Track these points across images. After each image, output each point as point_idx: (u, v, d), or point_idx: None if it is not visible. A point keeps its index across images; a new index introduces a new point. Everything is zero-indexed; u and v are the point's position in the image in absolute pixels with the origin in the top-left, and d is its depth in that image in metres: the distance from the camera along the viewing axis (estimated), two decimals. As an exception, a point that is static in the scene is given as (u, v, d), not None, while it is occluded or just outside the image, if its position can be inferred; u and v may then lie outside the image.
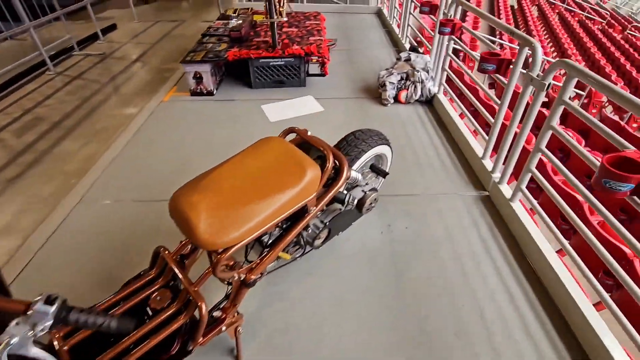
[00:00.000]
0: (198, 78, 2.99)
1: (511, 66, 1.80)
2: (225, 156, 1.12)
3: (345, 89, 3.18)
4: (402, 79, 2.97)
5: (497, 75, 1.88)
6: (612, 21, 13.35)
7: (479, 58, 1.88)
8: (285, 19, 3.92)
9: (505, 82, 1.85)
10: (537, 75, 1.58)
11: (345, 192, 1.41)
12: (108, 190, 2.01)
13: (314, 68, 3.31)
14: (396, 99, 2.94)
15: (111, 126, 2.76)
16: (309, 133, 1.30)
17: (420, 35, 3.64)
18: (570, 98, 1.52)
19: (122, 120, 2.79)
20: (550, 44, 10.19)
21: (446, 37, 2.54)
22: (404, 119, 2.75)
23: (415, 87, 2.89)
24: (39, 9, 4.07)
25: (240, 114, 2.81)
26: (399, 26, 4.38)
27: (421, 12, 2.95)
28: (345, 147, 1.52)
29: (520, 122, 1.75)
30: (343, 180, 1.24)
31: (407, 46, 3.88)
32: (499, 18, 10.54)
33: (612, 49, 9.47)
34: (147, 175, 2.12)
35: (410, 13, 3.73)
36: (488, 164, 2.10)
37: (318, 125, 2.64)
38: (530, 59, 1.61)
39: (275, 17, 2.98)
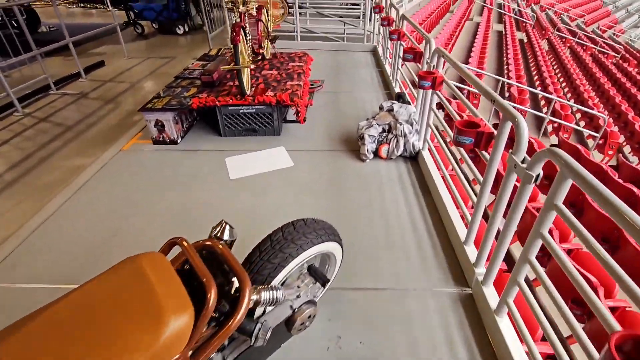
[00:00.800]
0: (160, 126, 2.74)
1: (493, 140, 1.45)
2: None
3: (323, 139, 2.88)
4: (383, 131, 2.65)
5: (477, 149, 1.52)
6: (627, 55, 12.99)
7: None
8: (268, 57, 3.72)
9: (487, 157, 1.50)
10: (523, 161, 1.22)
11: (256, 319, 1.05)
12: (17, 269, 1.69)
13: (293, 113, 3.04)
14: (376, 154, 2.61)
15: (55, 181, 2.50)
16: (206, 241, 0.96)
17: (407, 82, 3.35)
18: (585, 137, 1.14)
19: (70, 174, 2.53)
20: (562, 78, 9.86)
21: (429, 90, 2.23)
22: (382, 178, 2.40)
23: (398, 141, 2.55)
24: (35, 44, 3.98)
25: (200, 168, 2.52)
26: (390, 66, 4.13)
27: (404, 59, 2.67)
28: (269, 250, 1.17)
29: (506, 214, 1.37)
30: (242, 313, 0.88)
31: (398, 90, 3.59)
32: (507, 52, 10.34)
33: (628, 84, 9.05)
34: (63, 251, 1.80)
35: (399, 56, 3.47)
36: (472, 251, 1.71)
37: (282, 185, 2.32)
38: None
39: (247, 62, 2.74)
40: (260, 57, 3.61)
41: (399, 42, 3.55)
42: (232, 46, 2.49)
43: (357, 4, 7.03)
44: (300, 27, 5.32)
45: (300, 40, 5.38)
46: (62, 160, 2.76)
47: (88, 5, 10.46)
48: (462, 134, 1.47)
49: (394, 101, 2.80)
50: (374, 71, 4.45)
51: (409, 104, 2.88)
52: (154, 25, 6.84)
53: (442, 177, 2.25)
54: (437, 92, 2.15)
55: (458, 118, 1.73)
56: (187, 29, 6.75)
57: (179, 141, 2.83)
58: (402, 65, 3.57)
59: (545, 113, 6.79)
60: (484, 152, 1.55)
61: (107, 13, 9.09)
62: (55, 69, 4.47)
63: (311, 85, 3.86)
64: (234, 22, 2.83)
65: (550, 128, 6.45)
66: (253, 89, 2.93)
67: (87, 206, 2.13)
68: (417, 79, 2.15)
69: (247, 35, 2.91)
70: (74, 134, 3.14)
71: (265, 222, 1.90)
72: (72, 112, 3.54)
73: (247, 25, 2.90)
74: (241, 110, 2.83)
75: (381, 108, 2.81)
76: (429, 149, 2.50)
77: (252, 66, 2.87)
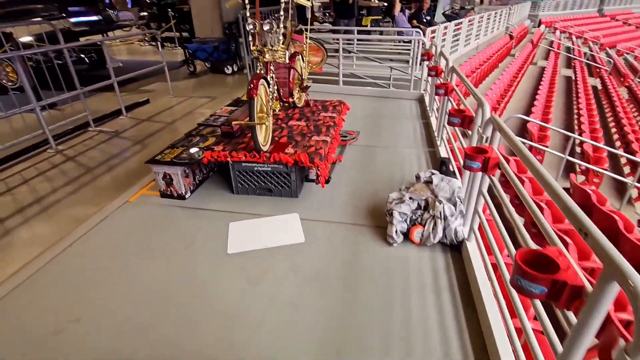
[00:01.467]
0: (168, 179, 2.52)
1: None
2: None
3: (345, 207, 2.44)
4: (419, 207, 2.15)
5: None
6: None
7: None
8: (300, 105, 3.45)
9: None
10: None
11: None
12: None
13: (314, 173, 2.67)
14: (407, 237, 2.10)
15: (52, 233, 2.33)
16: None
17: (454, 146, 2.84)
18: None
19: (66, 226, 2.35)
20: (646, 133, 8.52)
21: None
22: (410, 272, 1.88)
23: (436, 224, 2.03)
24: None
25: (200, 232, 2.21)
26: (437, 120, 3.64)
27: (449, 123, 2.20)
28: None
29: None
30: None
31: (442, 151, 3.08)
32: (578, 101, 9.27)
33: None
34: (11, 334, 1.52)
35: (446, 112, 2.99)
36: None
37: (285, 270, 1.89)
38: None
39: (265, 117, 2.46)
40: (291, 105, 3.37)
41: (446, 97, 3.10)
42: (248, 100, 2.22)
43: (408, 48, 6.75)
44: (343, 71, 5.10)
45: (343, 85, 5.14)
46: (66, 208, 2.64)
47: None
48: (526, 278, 0.93)
49: (433, 171, 2.30)
50: (418, 123, 3.99)
51: (454, 175, 2.36)
52: (206, 64, 7.13)
53: (490, 283, 1.68)
54: (490, 176, 1.64)
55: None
56: (235, 69, 6.92)
57: (187, 196, 2.58)
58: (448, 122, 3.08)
59: (628, 175, 5.72)
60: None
61: (175, 51, 9.85)
62: (105, 105, 4.65)
63: (343, 137, 3.50)
64: (257, 71, 2.60)
65: (635, 194, 5.37)
66: (273, 143, 2.63)
67: (61, 277, 1.88)
68: (463, 160, 1.66)
69: (272, 86, 2.66)
70: (92, 177, 3.05)
71: (244, 339, 1.48)
72: (100, 152, 3.53)
73: (272, 75, 2.66)
74: (255, 168, 2.53)
75: (418, 178, 2.33)
76: (475, 239, 1.94)
77: (269, 122, 2.58)
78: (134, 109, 4.74)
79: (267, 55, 2.53)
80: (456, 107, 2.38)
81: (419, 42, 4.82)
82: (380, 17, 11.41)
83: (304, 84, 3.35)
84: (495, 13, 11.48)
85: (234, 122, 2.33)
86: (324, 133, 2.85)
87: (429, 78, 4.30)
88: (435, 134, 3.39)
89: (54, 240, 2.12)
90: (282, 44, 2.67)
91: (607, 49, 18.03)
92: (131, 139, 3.85)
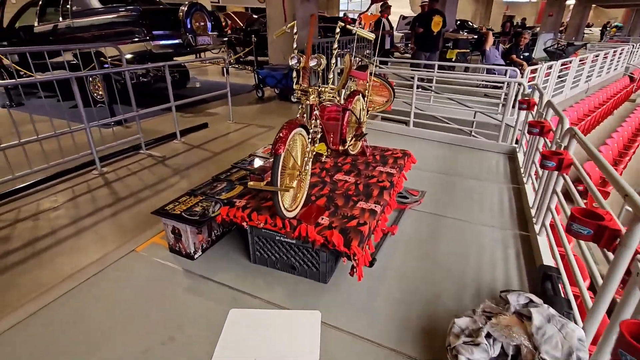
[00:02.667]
0: (177, 234, 2.10)
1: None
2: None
3: (387, 319, 1.72)
4: (503, 354, 1.34)
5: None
6: None
7: None
8: (354, 153, 2.85)
9: None
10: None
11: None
12: None
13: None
14: (478, 403, 1.30)
15: (47, 282, 2.05)
16: None
17: (556, 256, 1.93)
18: None
19: (56, 280, 2.05)
20: None
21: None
22: None
23: (532, 399, 1.21)
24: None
25: (192, 318, 1.70)
26: (535, 192, 2.72)
27: (542, 165, 1.41)
28: None
29: None
30: None
31: (543, 244, 2.15)
32: None
33: None
34: None
35: (555, 191, 2.08)
36: None
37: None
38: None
39: (295, 176, 1.91)
40: (342, 153, 2.80)
41: (540, 136, 2.24)
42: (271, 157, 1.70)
43: (499, 87, 5.79)
44: (415, 110, 4.40)
45: (413, 127, 4.43)
46: (69, 252, 2.38)
47: (240, 67, 12.05)
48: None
49: (533, 297, 1.46)
50: (507, 189, 3.07)
51: (566, 306, 1.48)
52: (275, 90, 7.03)
53: None
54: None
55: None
56: (302, 97, 6.66)
57: (196, 256, 2.12)
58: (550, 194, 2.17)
59: None
60: None
61: (252, 75, 10.18)
62: (168, 126, 4.64)
63: (402, 198, 2.79)
64: (298, 115, 2.09)
65: None
66: (306, 205, 2.05)
67: (12, 352, 1.51)
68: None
69: (314, 133, 2.12)
70: (115, 210, 2.82)
71: None
72: (139, 179, 3.35)
73: (316, 121, 2.13)
74: (277, 237, 1.97)
75: (504, 301, 1.51)
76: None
77: (306, 176, 2.03)
78: (190, 133, 4.65)
79: (311, 97, 2.01)
80: (548, 151, 1.62)
81: (516, 85, 3.91)
82: (467, 51, 10.45)
83: (361, 130, 2.76)
84: (615, 51, 9.66)
85: (249, 184, 1.81)
86: (374, 198, 2.19)
87: (525, 128, 3.38)
88: (532, 212, 2.48)
89: (33, 295, 1.80)
90: (335, 83, 2.13)
91: None
92: (175, 167, 3.64)
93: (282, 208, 1.80)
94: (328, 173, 2.54)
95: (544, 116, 2.65)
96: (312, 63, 1.95)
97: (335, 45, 1.99)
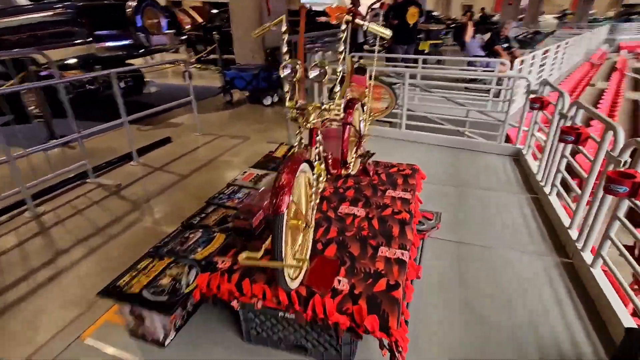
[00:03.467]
0: (137, 317, 1.52)
1: None
2: None
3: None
4: None
5: None
6: None
7: None
8: (354, 173, 2.35)
9: None
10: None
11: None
12: None
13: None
14: None
15: None
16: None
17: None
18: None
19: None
20: None
21: None
22: None
23: None
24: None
25: None
26: (566, 209, 2.38)
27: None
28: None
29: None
30: None
31: (598, 276, 1.79)
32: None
33: None
34: None
35: (616, 216, 1.71)
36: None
37: None
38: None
39: (299, 228, 1.40)
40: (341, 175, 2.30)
41: (576, 144, 1.90)
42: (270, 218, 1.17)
43: (484, 81, 5.53)
44: (406, 111, 3.98)
45: (405, 130, 4.01)
46: None
47: (202, 67, 11.16)
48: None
49: None
50: (525, 200, 2.72)
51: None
52: (245, 93, 6.38)
53: None
54: None
55: None
56: (275, 100, 6.07)
57: (167, 342, 1.55)
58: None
59: None
60: None
61: (218, 75, 9.38)
62: (122, 143, 3.89)
63: (418, 225, 2.35)
64: (295, 144, 1.57)
65: None
66: (312, 260, 1.54)
67: None
68: None
69: (318, 164, 1.61)
70: (53, 272, 2.15)
71: None
72: (87, 220, 2.67)
73: (320, 147, 1.62)
74: (281, 314, 1.45)
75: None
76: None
77: (310, 224, 1.53)
78: (151, 151, 3.95)
79: (311, 117, 1.49)
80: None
81: (509, 79, 3.58)
82: (440, 42, 10.25)
83: (362, 147, 2.28)
84: (580, 38, 9.83)
85: (240, 259, 1.26)
86: (396, 240, 1.72)
87: (536, 127, 3.06)
88: (571, 233, 2.11)
89: None
90: (338, 96, 1.63)
91: None
92: (134, 198, 2.98)
93: (288, 281, 1.28)
94: (330, 205, 2.04)
95: (569, 119, 2.30)
96: (313, 74, 1.43)
97: (342, 48, 1.48)
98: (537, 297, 1.81)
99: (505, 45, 6.57)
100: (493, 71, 5.38)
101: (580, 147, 2.06)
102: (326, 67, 1.41)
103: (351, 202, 2.08)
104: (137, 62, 6.07)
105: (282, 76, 1.47)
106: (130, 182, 3.22)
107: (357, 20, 1.51)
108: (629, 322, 1.50)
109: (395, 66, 6.21)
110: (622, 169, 1.55)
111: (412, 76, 5.36)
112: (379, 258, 1.60)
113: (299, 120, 1.53)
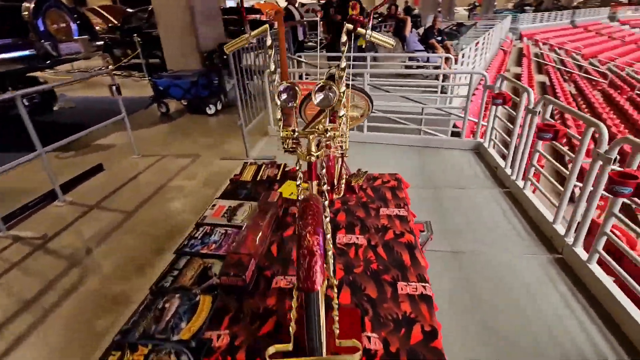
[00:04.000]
0: None
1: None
2: None
3: None
4: None
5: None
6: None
7: None
8: (339, 196, 2.13)
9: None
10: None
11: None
12: None
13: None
14: None
15: None
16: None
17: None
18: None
19: None
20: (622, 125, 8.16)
21: None
22: None
23: None
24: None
25: None
26: (534, 192, 2.45)
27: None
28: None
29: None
30: None
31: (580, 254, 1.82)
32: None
33: None
34: None
35: (613, 213, 1.74)
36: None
37: None
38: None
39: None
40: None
41: (554, 141, 1.94)
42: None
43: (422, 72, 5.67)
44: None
45: (367, 132, 3.90)
46: None
47: (123, 73, 9.96)
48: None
49: None
50: (498, 194, 2.77)
51: None
52: (182, 102, 5.75)
53: None
54: None
55: None
56: (219, 108, 5.57)
57: None
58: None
59: None
60: None
61: (143, 82, 8.39)
62: (37, 179, 3.15)
63: (414, 239, 2.22)
64: (298, 184, 1.30)
65: None
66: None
67: None
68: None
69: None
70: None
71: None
72: (4, 292, 2.06)
73: (323, 184, 1.37)
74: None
75: None
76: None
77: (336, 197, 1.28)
78: (80, 184, 3.29)
79: (312, 149, 1.22)
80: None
81: (450, 74, 3.66)
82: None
83: (345, 164, 2.07)
84: (494, 29, 10.76)
85: (268, 354, 0.95)
86: (411, 270, 1.55)
87: (495, 120, 3.14)
88: (558, 228, 2.15)
89: None
90: (343, 121, 1.38)
91: (591, 59, 17.93)
92: (67, 253, 2.39)
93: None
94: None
95: (541, 114, 2.34)
96: (318, 99, 1.16)
97: (344, 64, 1.23)
98: (546, 301, 1.79)
99: (439, 38, 6.85)
100: (439, 66, 5.55)
101: (558, 144, 2.09)
102: (334, 89, 1.15)
103: (346, 228, 1.86)
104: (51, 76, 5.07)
105: (278, 103, 1.18)
106: (59, 229, 2.60)
107: (359, 29, 1.28)
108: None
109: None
110: (618, 169, 1.55)
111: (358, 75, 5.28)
112: (401, 297, 1.41)
113: (297, 152, 1.25)
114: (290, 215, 2.00)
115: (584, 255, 1.89)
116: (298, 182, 1.32)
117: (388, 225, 1.87)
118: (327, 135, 1.24)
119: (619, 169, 1.62)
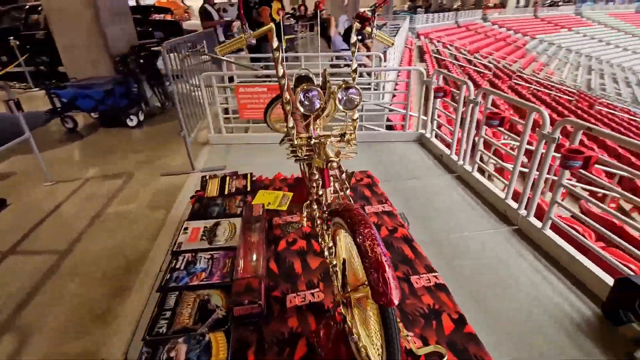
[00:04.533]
0: None
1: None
2: None
3: None
4: None
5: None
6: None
7: None
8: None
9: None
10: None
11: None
12: None
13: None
14: None
15: None
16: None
17: None
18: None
19: None
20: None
21: None
22: None
23: None
24: None
25: None
26: (490, 179, 2.74)
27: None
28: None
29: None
30: None
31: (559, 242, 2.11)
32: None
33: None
34: None
35: (561, 184, 2.03)
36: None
37: None
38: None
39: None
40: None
41: (500, 127, 2.24)
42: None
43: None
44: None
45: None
46: None
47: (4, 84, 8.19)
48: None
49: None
50: (450, 180, 3.02)
51: None
52: (92, 115, 4.97)
53: None
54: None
55: None
56: (141, 118, 4.96)
57: None
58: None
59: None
60: None
61: (31, 94, 7.01)
62: None
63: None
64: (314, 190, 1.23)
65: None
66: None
67: None
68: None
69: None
70: None
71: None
72: None
73: (337, 191, 1.31)
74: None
75: None
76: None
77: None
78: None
79: (329, 153, 1.15)
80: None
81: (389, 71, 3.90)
82: (293, 37, 10.47)
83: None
84: (401, 29, 11.73)
85: None
86: (416, 262, 1.59)
87: (434, 112, 3.42)
88: (508, 202, 2.43)
89: None
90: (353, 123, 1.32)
91: (476, 54, 20.88)
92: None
93: None
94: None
95: (479, 104, 2.62)
96: (343, 102, 1.08)
97: (355, 65, 1.16)
98: (517, 269, 2.01)
99: (359, 37, 7.19)
100: (364, 64, 5.80)
101: (503, 129, 2.36)
102: (359, 89, 1.09)
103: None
104: None
105: (301, 109, 1.07)
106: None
107: (367, 28, 1.23)
108: (599, 272, 1.81)
109: (267, 67, 5.98)
110: (570, 146, 1.81)
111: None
112: (419, 291, 1.44)
113: (314, 161, 1.17)
114: (277, 227, 1.88)
115: (538, 224, 2.18)
116: (320, 192, 1.23)
117: (379, 222, 1.89)
118: (345, 138, 1.18)
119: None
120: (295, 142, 1.16)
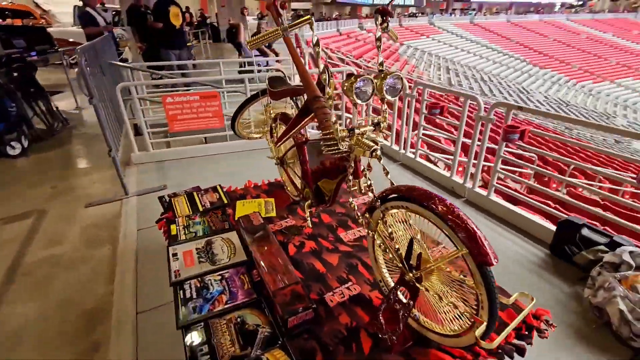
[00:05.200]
0: None
1: None
2: None
3: None
4: None
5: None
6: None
7: None
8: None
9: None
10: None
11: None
12: None
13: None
14: None
15: None
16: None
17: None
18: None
19: None
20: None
21: None
22: None
23: None
24: None
25: None
26: (434, 162, 3.11)
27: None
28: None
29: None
30: None
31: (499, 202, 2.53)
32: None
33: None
34: None
35: (500, 156, 2.45)
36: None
37: None
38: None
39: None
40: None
41: (441, 115, 2.66)
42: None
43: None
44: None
45: (209, 143, 3.78)
46: None
47: None
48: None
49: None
50: (398, 168, 3.32)
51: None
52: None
53: None
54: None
55: None
56: (26, 144, 4.00)
57: None
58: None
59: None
60: None
61: None
62: None
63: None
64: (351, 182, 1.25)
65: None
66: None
67: None
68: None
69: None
70: None
71: None
72: None
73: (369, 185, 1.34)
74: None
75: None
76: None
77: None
78: None
79: (371, 143, 1.18)
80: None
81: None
82: (189, 45, 9.85)
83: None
84: (302, 37, 12.17)
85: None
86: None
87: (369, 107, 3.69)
88: (454, 179, 2.82)
89: None
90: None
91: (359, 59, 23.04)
92: None
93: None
94: (329, 239, 1.75)
95: (414, 97, 2.96)
96: (390, 91, 1.13)
97: (381, 59, 1.20)
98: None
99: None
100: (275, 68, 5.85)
101: (444, 117, 2.72)
102: (403, 78, 1.14)
103: (341, 226, 1.86)
104: None
105: (355, 98, 1.07)
106: None
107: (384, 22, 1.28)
108: (540, 221, 2.26)
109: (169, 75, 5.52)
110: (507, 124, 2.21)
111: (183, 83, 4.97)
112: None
113: (357, 151, 1.19)
114: (277, 234, 1.80)
115: (484, 193, 2.58)
116: (369, 182, 1.25)
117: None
118: (381, 126, 1.23)
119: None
120: (339, 134, 1.16)
